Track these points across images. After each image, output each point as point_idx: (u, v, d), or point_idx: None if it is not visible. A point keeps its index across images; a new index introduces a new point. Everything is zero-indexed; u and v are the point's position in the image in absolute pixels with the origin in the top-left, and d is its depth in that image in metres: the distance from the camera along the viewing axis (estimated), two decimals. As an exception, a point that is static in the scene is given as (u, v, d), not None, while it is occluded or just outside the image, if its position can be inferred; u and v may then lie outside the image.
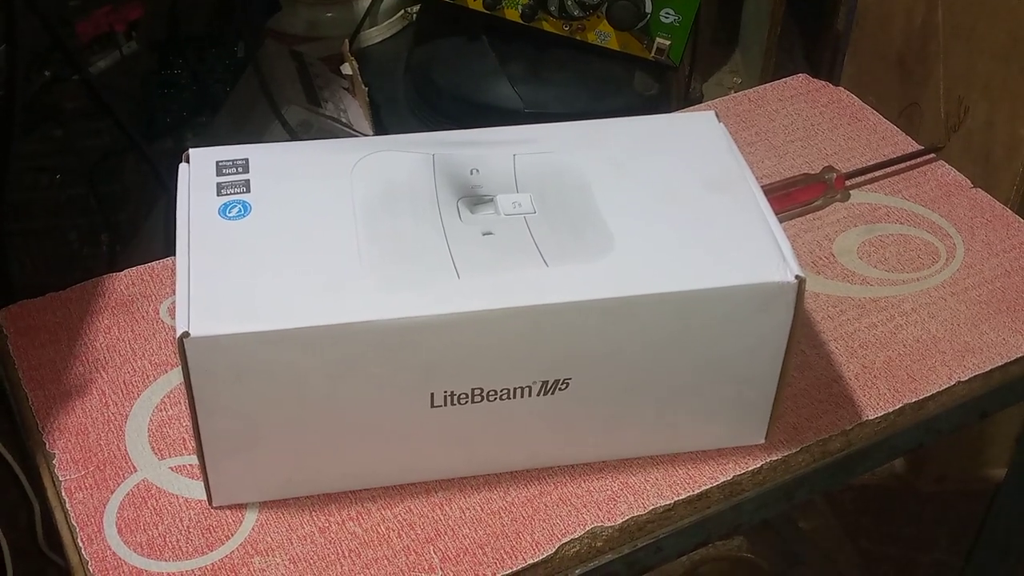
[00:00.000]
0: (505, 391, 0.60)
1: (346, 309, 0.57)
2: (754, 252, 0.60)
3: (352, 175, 0.64)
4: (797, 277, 0.59)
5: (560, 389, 0.61)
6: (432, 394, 0.59)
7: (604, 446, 0.65)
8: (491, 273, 0.58)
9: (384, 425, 0.61)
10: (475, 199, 0.62)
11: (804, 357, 0.73)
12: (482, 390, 0.60)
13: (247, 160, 0.64)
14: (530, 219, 0.61)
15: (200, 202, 0.62)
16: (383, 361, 0.58)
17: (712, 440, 0.66)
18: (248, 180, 0.63)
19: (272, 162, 0.65)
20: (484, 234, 0.60)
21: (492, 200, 0.62)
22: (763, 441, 0.67)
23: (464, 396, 0.60)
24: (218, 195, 0.62)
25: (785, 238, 0.61)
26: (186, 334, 0.55)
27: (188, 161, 0.64)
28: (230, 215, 0.61)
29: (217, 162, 0.64)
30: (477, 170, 0.64)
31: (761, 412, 0.65)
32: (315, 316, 0.56)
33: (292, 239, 0.60)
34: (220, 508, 0.63)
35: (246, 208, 0.62)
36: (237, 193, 0.62)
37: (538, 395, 0.61)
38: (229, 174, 0.64)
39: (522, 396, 0.60)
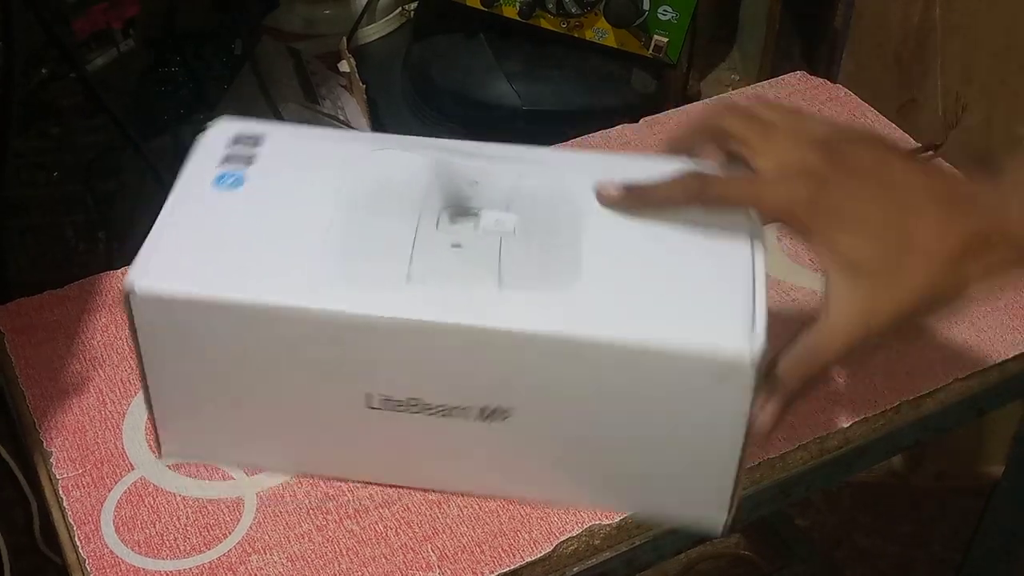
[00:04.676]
0: (444, 408, 0.59)
1: (287, 292, 0.57)
2: (722, 318, 0.55)
3: (354, 167, 0.63)
4: (756, 358, 0.54)
5: (501, 419, 0.58)
6: (368, 395, 0.59)
7: (549, 490, 0.63)
8: (440, 285, 0.57)
9: (321, 415, 0.61)
10: (460, 210, 0.60)
11: (802, 355, 0.73)
12: (420, 401, 0.59)
13: (263, 136, 0.65)
14: (506, 239, 0.59)
15: (200, 169, 0.63)
16: (317, 350, 0.58)
17: (666, 509, 0.62)
18: (254, 155, 0.64)
19: (286, 143, 0.65)
20: (453, 246, 0.59)
21: (477, 214, 0.60)
22: (723, 525, 0.61)
23: (402, 404, 0.59)
24: (220, 164, 0.63)
25: (765, 312, 0.56)
26: (132, 290, 0.57)
27: (210, 129, 0.66)
28: (222, 185, 0.62)
29: (235, 134, 0.65)
30: (477, 182, 0.62)
31: (720, 493, 0.60)
32: (256, 293, 0.57)
33: (268, 218, 0.61)
34: (215, 503, 0.63)
35: (239, 181, 0.62)
36: (238, 166, 0.63)
37: (479, 420, 0.59)
38: (240, 146, 0.64)
39: (462, 417, 0.59)
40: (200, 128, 1.15)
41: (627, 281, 0.58)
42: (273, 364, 0.59)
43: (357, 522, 0.63)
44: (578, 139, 0.91)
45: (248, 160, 0.63)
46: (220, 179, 0.62)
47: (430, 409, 0.59)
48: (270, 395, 0.61)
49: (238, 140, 0.64)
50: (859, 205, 0.54)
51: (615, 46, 1.17)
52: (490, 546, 0.62)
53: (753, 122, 0.58)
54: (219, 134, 0.65)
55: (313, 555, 0.61)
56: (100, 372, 0.71)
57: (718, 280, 0.57)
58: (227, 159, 0.63)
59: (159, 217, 0.60)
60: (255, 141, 0.64)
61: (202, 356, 0.60)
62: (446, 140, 0.65)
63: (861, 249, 0.54)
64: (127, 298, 0.57)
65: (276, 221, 0.60)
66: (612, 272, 0.58)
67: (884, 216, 0.54)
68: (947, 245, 0.53)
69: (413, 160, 0.63)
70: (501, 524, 0.63)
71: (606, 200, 0.60)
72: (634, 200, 0.60)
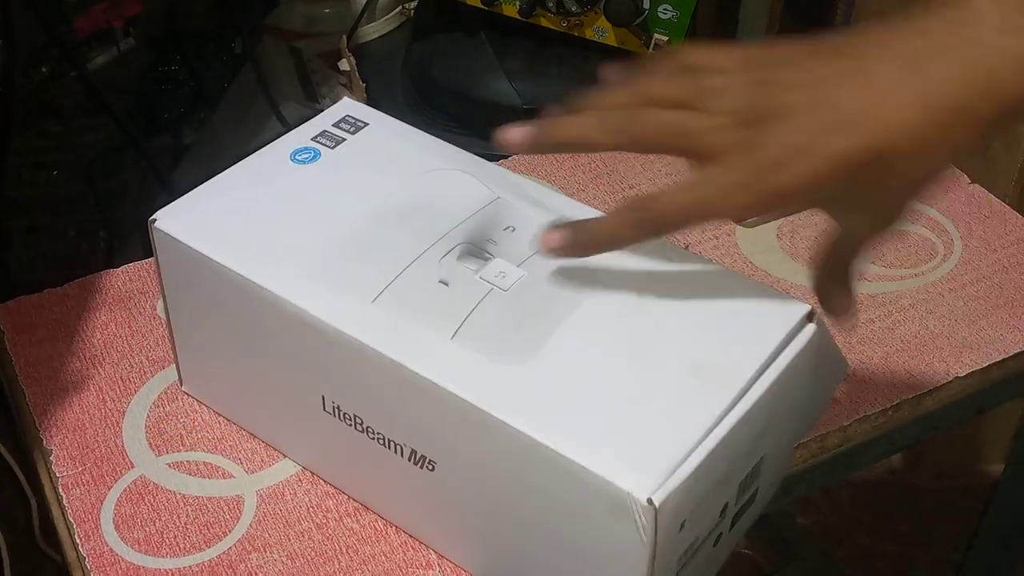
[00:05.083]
0: (381, 436, 0.58)
1: (269, 274, 0.58)
2: (649, 451, 0.50)
3: (416, 179, 0.63)
4: (650, 503, 0.48)
5: (428, 468, 0.56)
6: (323, 397, 0.59)
7: (468, 556, 0.60)
8: (401, 316, 0.56)
9: (290, 400, 0.62)
10: (475, 250, 0.59)
11: (802, 353, 0.73)
12: (362, 421, 0.58)
13: (366, 125, 0.67)
14: (495, 293, 0.57)
15: (296, 137, 0.66)
16: (283, 337, 0.59)
17: None
18: (346, 139, 0.66)
19: (378, 137, 0.67)
20: (440, 281, 0.57)
21: (487, 260, 0.58)
22: None
23: (348, 417, 0.58)
24: (312, 140, 0.66)
25: (700, 461, 0.50)
26: (153, 222, 0.61)
27: (334, 104, 0.69)
28: (297, 159, 0.64)
29: (344, 115, 0.68)
30: (513, 229, 0.60)
31: None
32: (243, 265, 0.59)
33: (308, 202, 0.62)
34: (215, 501, 0.63)
35: (313, 159, 0.64)
36: (324, 144, 0.66)
37: (409, 462, 0.57)
38: (339, 128, 0.67)
39: (395, 452, 0.57)
40: (200, 127, 1.15)
41: (579, 376, 0.53)
42: (254, 335, 0.61)
43: (357, 520, 0.63)
44: (578, 138, 0.91)
45: (336, 142, 0.66)
46: (298, 152, 0.65)
47: (371, 433, 0.58)
48: (252, 363, 0.62)
49: (342, 121, 0.67)
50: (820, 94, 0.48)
51: (615, 45, 1.17)
52: (490, 544, 0.62)
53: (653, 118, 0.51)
54: (334, 111, 0.68)
55: (313, 553, 0.61)
56: (100, 370, 0.71)
57: (682, 406, 0.52)
58: (320, 135, 0.66)
59: (231, 167, 0.64)
60: (355, 127, 0.67)
61: (204, 303, 0.62)
62: (530, 182, 0.64)
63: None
64: (149, 226, 0.61)
65: (312, 207, 0.62)
66: (571, 361, 0.54)
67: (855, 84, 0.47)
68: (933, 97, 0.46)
69: (475, 190, 0.63)
70: (501, 522, 0.63)
71: (550, 248, 0.54)
72: (580, 243, 0.54)
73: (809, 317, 0.56)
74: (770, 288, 0.59)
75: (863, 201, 0.50)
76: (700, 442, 0.51)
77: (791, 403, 0.57)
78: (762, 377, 0.54)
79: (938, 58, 0.47)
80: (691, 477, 0.50)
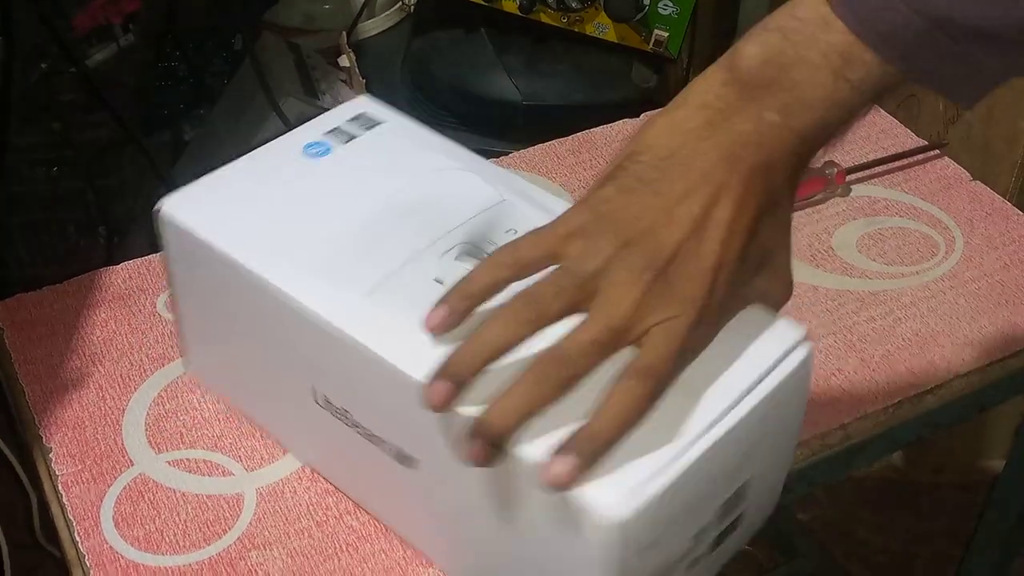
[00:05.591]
0: (368, 432, 0.57)
1: (266, 264, 0.58)
2: (620, 464, 0.48)
3: (422, 177, 0.63)
4: (614, 517, 0.47)
5: (411, 467, 0.56)
6: (314, 389, 0.59)
7: (448, 557, 0.60)
8: (392, 311, 0.55)
9: (283, 390, 0.62)
10: (474, 250, 0.58)
11: (802, 350, 0.73)
12: (350, 415, 0.58)
13: (379, 123, 0.67)
14: None
15: (308, 131, 0.66)
16: (278, 326, 0.59)
17: None
18: (359, 135, 0.66)
19: (391, 135, 0.66)
20: (435, 279, 0.56)
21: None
22: None
23: (337, 411, 0.58)
24: (325, 134, 0.66)
25: (672, 480, 0.48)
26: (160, 208, 0.62)
27: (350, 100, 0.69)
28: (309, 152, 0.64)
29: (359, 112, 0.68)
30: (515, 231, 0.59)
31: None
32: (241, 254, 0.59)
33: (312, 196, 0.62)
34: (215, 499, 0.63)
35: (324, 154, 0.64)
36: (336, 140, 0.65)
37: (394, 459, 0.56)
38: (353, 124, 0.67)
39: (380, 448, 0.57)
40: (200, 123, 1.15)
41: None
42: (251, 323, 0.61)
43: (357, 518, 0.63)
44: (579, 134, 0.91)
45: (348, 138, 0.65)
46: (309, 146, 0.65)
47: (358, 428, 0.58)
48: (250, 351, 0.63)
49: (356, 118, 0.67)
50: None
51: (615, 40, 1.17)
52: (490, 542, 0.62)
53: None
54: (349, 108, 0.68)
55: (313, 551, 0.61)
56: (100, 368, 0.71)
57: (664, 422, 0.49)
58: (333, 131, 0.66)
59: (242, 157, 0.64)
60: (369, 125, 0.67)
61: (206, 290, 0.63)
62: (539, 188, 0.63)
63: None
64: (155, 214, 0.61)
65: (319, 200, 0.62)
66: None
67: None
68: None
69: (480, 190, 0.62)
70: (501, 520, 0.63)
71: (434, 328, 0.51)
72: (462, 308, 0.52)
73: (804, 339, 0.55)
74: (765, 308, 0.56)
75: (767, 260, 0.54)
76: (674, 460, 0.49)
77: (780, 426, 0.55)
78: (748, 397, 0.52)
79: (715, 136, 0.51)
80: (661, 495, 0.48)
